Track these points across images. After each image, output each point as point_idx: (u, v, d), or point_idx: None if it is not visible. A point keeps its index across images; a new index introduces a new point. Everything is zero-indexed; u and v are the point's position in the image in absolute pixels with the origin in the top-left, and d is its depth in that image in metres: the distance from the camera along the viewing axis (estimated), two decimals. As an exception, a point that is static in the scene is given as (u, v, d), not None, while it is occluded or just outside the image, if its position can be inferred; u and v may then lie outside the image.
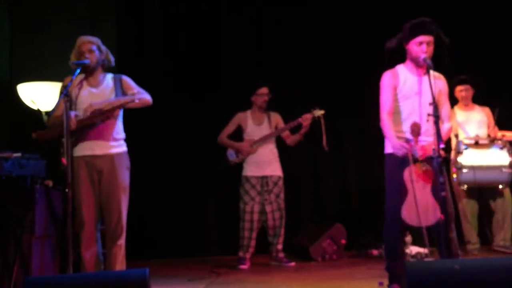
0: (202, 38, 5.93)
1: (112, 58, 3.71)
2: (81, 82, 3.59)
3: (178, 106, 5.78)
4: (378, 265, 4.64)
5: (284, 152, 5.63)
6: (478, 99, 5.11)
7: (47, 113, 4.88)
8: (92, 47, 3.59)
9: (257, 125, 5.04)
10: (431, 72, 3.23)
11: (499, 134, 4.84)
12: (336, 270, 4.53)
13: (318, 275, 4.35)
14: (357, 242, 5.42)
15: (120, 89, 3.60)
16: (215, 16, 5.94)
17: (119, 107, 3.52)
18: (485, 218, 5.12)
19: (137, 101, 3.52)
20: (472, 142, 4.75)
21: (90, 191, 3.54)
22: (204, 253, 5.69)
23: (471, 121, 4.97)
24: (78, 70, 3.45)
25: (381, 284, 3.63)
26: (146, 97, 3.61)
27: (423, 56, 3.24)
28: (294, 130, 4.98)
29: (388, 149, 3.45)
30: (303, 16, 5.91)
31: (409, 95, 3.35)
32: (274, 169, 4.99)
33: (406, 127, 3.34)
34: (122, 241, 3.57)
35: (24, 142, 4.15)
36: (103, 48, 3.67)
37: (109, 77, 3.67)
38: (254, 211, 4.90)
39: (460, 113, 5.04)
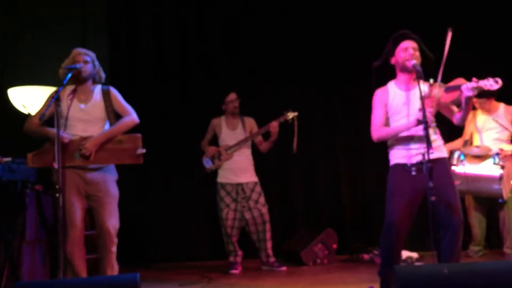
0: (194, 45, 5.94)
1: (103, 75, 3.74)
2: (71, 94, 3.59)
3: (168, 111, 5.78)
4: (369, 269, 4.67)
5: (275, 157, 5.66)
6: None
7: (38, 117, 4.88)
8: (87, 58, 3.62)
9: (232, 130, 5.04)
10: (421, 77, 3.19)
11: (498, 147, 4.80)
12: (327, 275, 4.54)
13: (309, 280, 4.36)
14: (348, 247, 5.43)
15: (110, 104, 3.63)
16: (207, 23, 5.95)
17: (107, 140, 3.55)
18: (492, 222, 5.12)
19: (122, 128, 3.61)
20: (472, 155, 4.72)
21: (76, 198, 3.54)
22: (195, 258, 5.68)
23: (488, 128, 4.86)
24: (69, 75, 3.45)
25: (371, 288, 3.65)
26: (131, 119, 3.65)
27: (412, 61, 3.22)
28: (266, 137, 4.98)
29: (393, 160, 3.43)
30: (294, 20, 5.95)
31: (399, 109, 3.35)
32: (249, 176, 4.99)
33: (405, 139, 3.34)
34: (114, 249, 3.61)
35: (14, 147, 4.13)
36: (97, 63, 3.70)
37: (98, 90, 3.67)
38: (229, 218, 4.88)
39: (480, 118, 4.92)
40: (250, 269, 4.97)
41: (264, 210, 4.93)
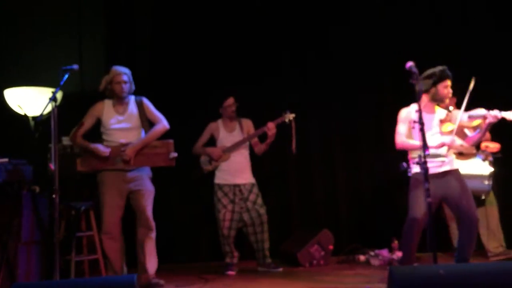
0: (192, 45, 5.93)
1: (133, 87, 4.26)
2: (110, 108, 4.15)
3: (165, 111, 5.75)
4: (365, 270, 4.69)
5: (272, 158, 5.66)
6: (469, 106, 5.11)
7: (34, 118, 4.87)
8: (125, 78, 4.14)
9: (229, 132, 5.03)
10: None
11: (483, 145, 4.88)
12: (324, 276, 4.55)
13: (306, 281, 4.36)
14: (344, 248, 5.44)
15: (143, 114, 4.17)
16: (204, 28, 5.93)
17: (144, 146, 4.10)
18: None
19: (156, 135, 4.17)
20: (456, 152, 4.79)
21: (116, 198, 4.07)
22: (191, 259, 5.68)
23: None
24: (66, 76, 3.46)
25: (367, 289, 3.67)
26: (163, 126, 4.20)
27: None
28: (263, 139, 4.95)
29: (413, 170, 3.91)
30: (293, 22, 5.96)
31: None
32: (247, 177, 4.97)
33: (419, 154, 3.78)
34: (154, 234, 4.18)
35: (11, 148, 4.13)
36: (131, 78, 4.22)
37: (132, 101, 4.21)
38: (226, 219, 4.88)
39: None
40: (246, 270, 4.97)
41: (262, 211, 4.93)
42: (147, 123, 4.19)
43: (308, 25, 5.94)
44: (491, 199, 4.92)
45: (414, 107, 3.91)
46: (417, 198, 3.83)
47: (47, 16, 5.71)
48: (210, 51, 5.89)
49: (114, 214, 4.07)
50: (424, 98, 3.96)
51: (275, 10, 5.95)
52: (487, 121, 3.77)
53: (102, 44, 5.77)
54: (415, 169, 3.85)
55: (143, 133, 4.19)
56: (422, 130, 3.29)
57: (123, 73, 4.13)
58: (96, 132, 4.24)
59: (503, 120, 3.79)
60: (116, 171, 4.08)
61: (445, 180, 3.89)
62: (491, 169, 4.67)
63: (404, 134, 4.01)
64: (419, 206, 3.79)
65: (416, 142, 3.88)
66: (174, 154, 4.14)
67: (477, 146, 4.93)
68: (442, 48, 5.53)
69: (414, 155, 3.94)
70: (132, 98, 4.23)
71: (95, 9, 5.88)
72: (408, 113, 4.02)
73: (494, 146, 4.88)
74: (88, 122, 4.14)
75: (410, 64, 3.43)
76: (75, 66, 3.52)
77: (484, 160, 4.70)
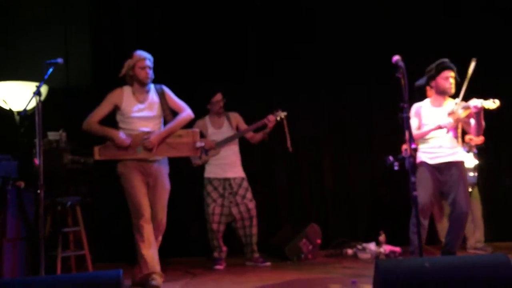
0: (179, 42, 5.89)
1: (153, 74, 4.07)
2: (130, 95, 3.95)
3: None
4: (352, 264, 4.72)
5: (260, 152, 5.67)
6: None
7: (18, 113, 4.82)
8: (150, 64, 3.97)
9: (218, 129, 5.03)
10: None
11: (467, 137, 4.93)
12: (311, 269, 4.57)
13: (294, 275, 4.38)
14: (332, 242, 5.47)
15: (165, 103, 4.01)
16: (191, 25, 5.89)
17: (168, 135, 3.96)
18: None
19: (181, 124, 4.02)
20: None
21: (142, 185, 3.91)
22: (179, 254, 5.66)
23: None
24: (51, 70, 3.41)
25: (353, 282, 3.68)
26: (188, 115, 4.05)
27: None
28: (256, 129, 4.99)
29: (419, 159, 4.14)
30: (282, 17, 5.95)
31: (429, 123, 4.09)
32: (237, 171, 4.98)
33: (427, 145, 4.12)
34: (160, 238, 4.07)
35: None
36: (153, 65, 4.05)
37: (153, 90, 4.04)
38: (216, 213, 4.89)
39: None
40: (234, 265, 4.98)
41: (251, 205, 4.93)
42: (169, 111, 4.02)
43: (295, 21, 5.92)
44: (475, 193, 4.97)
45: (426, 102, 4.17)
46: (421, 185, 3.95)
47: (33, 10, 5.64)
48: (197, 47, 5.85)
49: (146, 201, 3.89)
50: (431, 93, 4.16)
51: (262, 6, 5.93)
52: (472, 111, 3.88)
53: (88, 38, 5.70)
54: (421, 157, 4.11)
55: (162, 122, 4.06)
56: (408, 124, 3.28)
57: (147, 58, 3.96)
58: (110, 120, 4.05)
59: (488, 111, 3.83)
60: (137, 161, 3.90)
61: (445, 171, 4.02)
62: (476, 161, 4.72)
63: (415, 127, 4.14)
64: (425, 192, 3.95)
65: (420, 131, 4.11)
66: (201, 144, 4.04)
67: (462, 139, 4.98)
68: (432, 40, 5.56)
69: (420, 146, 4.17)
70: (152, 87, 4.04)
71: (81, 3, 5.81)
72: (417, 108, 4.18)
73: (478, 139, 4.92)
74: (105, 109, 3.90)
75: (396, 58, 3.41)
76: (60, 60, 3.46)
77: (468, 152, 4.75)
